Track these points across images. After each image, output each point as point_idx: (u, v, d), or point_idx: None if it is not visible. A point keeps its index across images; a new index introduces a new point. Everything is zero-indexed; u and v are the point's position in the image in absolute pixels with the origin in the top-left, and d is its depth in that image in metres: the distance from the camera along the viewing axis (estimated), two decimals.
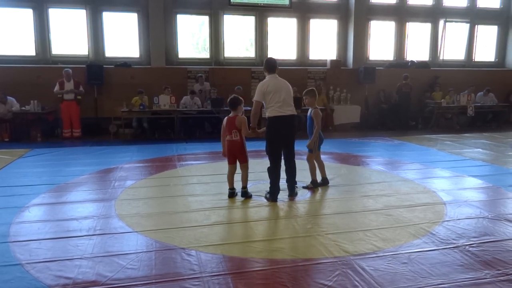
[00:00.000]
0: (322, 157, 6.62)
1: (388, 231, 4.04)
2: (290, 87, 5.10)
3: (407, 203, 4.91)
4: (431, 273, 3.19)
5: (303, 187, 5.54)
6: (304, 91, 5.66)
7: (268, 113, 4.99)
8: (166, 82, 10.54)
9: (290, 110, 4.97)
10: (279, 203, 4.95)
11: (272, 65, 5.09)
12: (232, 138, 5.01)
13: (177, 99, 9.99)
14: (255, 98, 5.01)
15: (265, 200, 5.03)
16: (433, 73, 12.74)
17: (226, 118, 5.09)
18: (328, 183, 5.69)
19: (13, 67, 10.20)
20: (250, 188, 5.30)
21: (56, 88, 9.64)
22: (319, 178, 5.67)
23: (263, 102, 4.99)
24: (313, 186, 5.56)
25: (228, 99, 5.14)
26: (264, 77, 5.16)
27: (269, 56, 4.74)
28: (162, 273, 3.19)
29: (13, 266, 3.29)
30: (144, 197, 5.17)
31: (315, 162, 5.62)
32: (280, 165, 5.09)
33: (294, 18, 12.21)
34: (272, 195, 5.04)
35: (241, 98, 5.12)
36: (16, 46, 10.71)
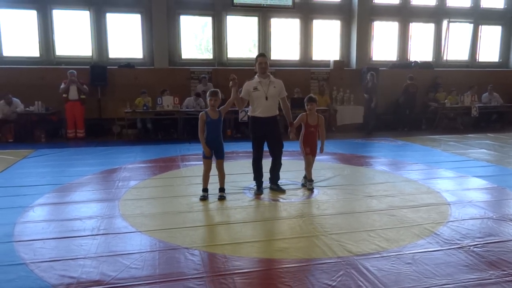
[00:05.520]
0: (325, 157, 6.60)
1: (392, 232, 4.03)
2: None
3: (411, 204, 4.89)
4: (435, 273, 3.18)
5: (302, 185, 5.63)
6: None
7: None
8: (169, 83, 10.57)
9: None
10: (281, 202, 4.94)
11: None
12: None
13: (180, 100, 10.01)
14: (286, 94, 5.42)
15: (263, 198, 5.02)
16: (437, 74, 12.70)
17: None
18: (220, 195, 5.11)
19: (18, 68, 10.24)
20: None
21: (62, 85, 9.64)
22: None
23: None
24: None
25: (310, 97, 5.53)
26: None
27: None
28: (165, 272, 3.20)
29: (18, 265, 3.30)
30: (148, 197, 5.18)
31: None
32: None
33: (297, 19, 12.21)
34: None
35: None
36: (21, 47, 10.76)
